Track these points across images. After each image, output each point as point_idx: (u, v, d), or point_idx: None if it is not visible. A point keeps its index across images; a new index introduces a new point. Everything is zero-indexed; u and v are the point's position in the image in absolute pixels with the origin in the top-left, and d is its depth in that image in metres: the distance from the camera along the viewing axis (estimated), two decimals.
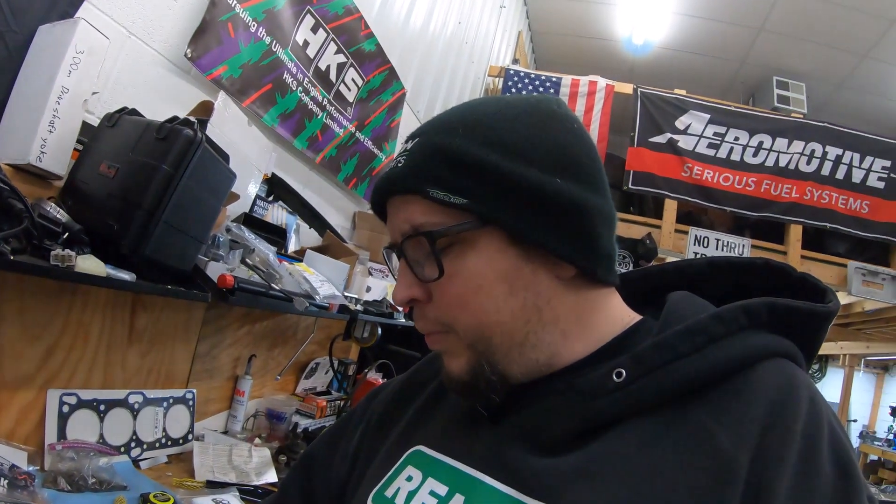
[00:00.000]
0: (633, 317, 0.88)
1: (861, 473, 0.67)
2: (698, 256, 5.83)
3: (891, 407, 12.59)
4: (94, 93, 1.75)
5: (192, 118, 1.68)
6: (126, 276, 1.49)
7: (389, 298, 3.31)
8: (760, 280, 0.88)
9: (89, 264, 1.39)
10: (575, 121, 0.83)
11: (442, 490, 0.80)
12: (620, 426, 0.73)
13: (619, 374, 0.73)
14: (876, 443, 12.43)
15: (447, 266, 0.77)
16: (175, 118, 1.63)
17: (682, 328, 0.74)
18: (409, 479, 0.84)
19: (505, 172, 0.75)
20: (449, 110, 0.84)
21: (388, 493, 0.84)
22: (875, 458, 12.08)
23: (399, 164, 0.80)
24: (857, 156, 6.12)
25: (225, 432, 2.58)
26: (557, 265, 0.79)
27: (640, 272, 1.01)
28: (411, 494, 0.81)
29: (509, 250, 0.78)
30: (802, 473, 0.64)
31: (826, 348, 11.92)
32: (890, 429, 12.43)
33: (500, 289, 0.78)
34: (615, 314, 0.87)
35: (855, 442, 13.12)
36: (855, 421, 13.41)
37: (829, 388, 13.51)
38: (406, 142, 0.83)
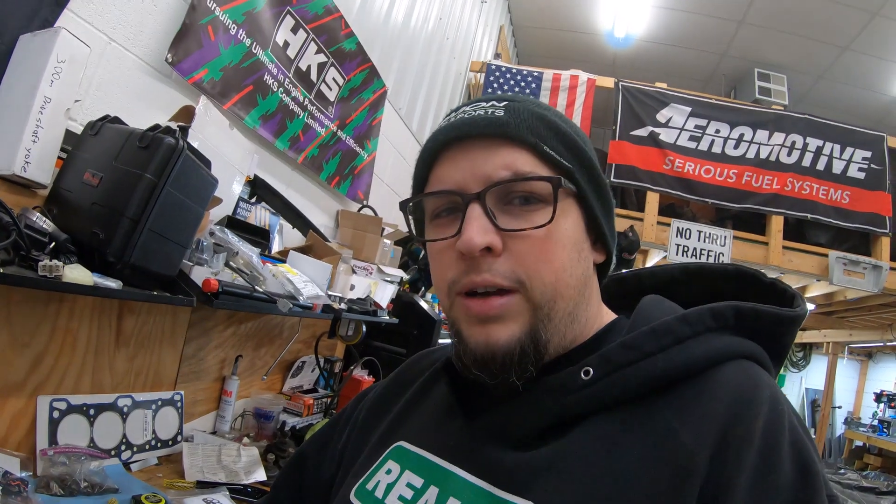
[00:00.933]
0: (610, 317, 0.93)
1: (821, 472, 0.69)
2: (681, 248, 5.88)
3: (874, 393, 12.74)
4: (76, 101, 1.76)
5: (173, 125, 1.70)
6: (113, 283, 1.51)
7: (373, 296, 3.33)
8: (733, 285, 0.92)
9: (77, 274, 1.41)
10: None
11: (418, 482, 0.83)
12: (587, 422, 0.76)
13: (587, 373, 0.77)
14: (861, 429, 12.59)
15: (542, 221, 0.80)
16: (157, 126, 1.64)
17: (649, 329, 0.77)
18: (389, 472, 0.88)
19: (590, 158, 0.86)
20: (518, 95, 0.89)
21: (370, 486, 0.88)
22: (860, 443, 12.24)
23: (496, 113, 0.82)
24: (837, 147, 6.21)
25: (213, 433, 2.59)
26: (597, 249, 0.88)
27: (616, 277, 1.06)
28: (390, 487, 0.85)
29: (581, 223, 0.85)
30: (762, 471, 0.66)
31: (810, 336, 12.02)
32: (874, 415, 12.58)
33: (573, 254, 0.83)
34: (603, 312, 0.92)
35: (840, 428, 13.25)
36: (840, 407, 13.54)
37: (814, 375, 13.66)
38: (488, 100, 0.85)
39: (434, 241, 0.86)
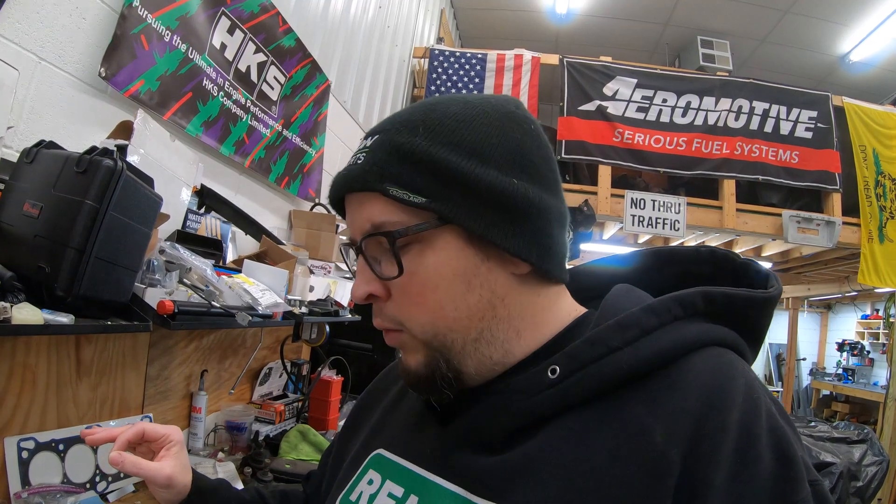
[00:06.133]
0: (578, 311, 0.91)
1: (803, 457, 0.69)
2: (636, 218, 5.93)
3: (836, 343, 13.12)
4: (9, 128, 1.70)
5: (111, 146, 1.64)
6: (64, 319, 1.46)
7: (333, 296, 3.29)
8: (707, 268, 0.91)
9: (26, 314, 1.35)
10: (532, 122, 0.85)
11: (398, 491, 0.83)
12: (557, 421, 0.75)
13: (553, 371, 0.76)
14: (826, 378, 12.97)
15: (407, 264, 0.79)
16: (94, 148, 1.58)
17: (614, 322, 0.76)
18: (370, 482, 0.88)
19: (464, 173, 0.77)
20: (410, 107, 0.85)
21: (353, 497, 0.89)
22: (827, 392, 12.60)
23: (359, 161, 0.81)
24: (783, 108, 6.30)
25: (187, 451, 2.54)
26: (513, 263, 0.81)
27: (587, 267, 1.05)
28: (372, 497, 0.86)
29: (467, 249, 0.80)
30: (740, 463, 0.65)
31: None
32: (838, 364, 12.95)
33: (457, 287, 0.80)
34: (564, 310, 0.89)
35: (806, 380, 13.61)
36: (804, 359, 13.90)
37: (777, 330, 13.94)
38: (366, 138, 0.84)
39: None
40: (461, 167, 0.77)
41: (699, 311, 0.78)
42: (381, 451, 0.92)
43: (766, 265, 7.71)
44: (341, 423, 3.41)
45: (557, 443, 0.73)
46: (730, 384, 0.71)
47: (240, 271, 2.53)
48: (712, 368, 0.73)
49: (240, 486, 2.23)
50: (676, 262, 0.95)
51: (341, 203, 0.87)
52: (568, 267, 0.93)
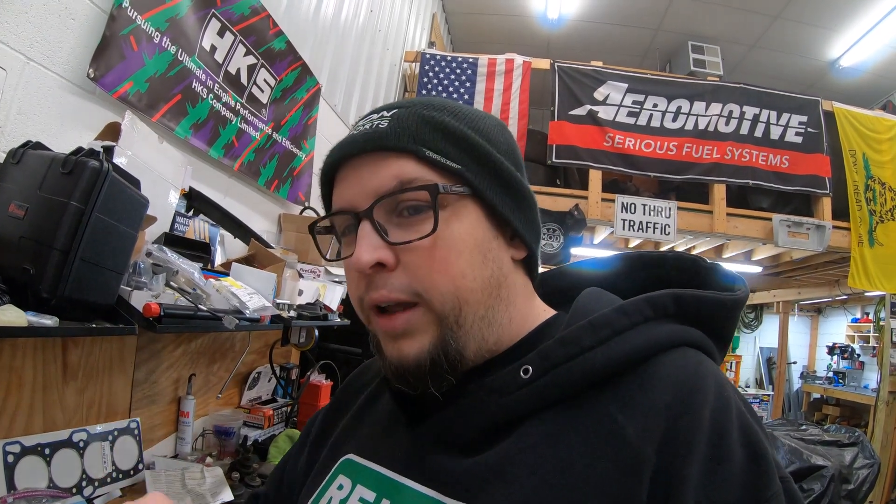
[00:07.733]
0: (548, 313, 0.92)
1: (772, 454, 0.69)
2: (626, 223, 5.94)
3: (827, 346, 13.15)
4: None
5: (97, 147, 1.63)
6: (49, 321, 1.44)
7: (322, 300, 3.28)
8: (675, 273, 0.92)
9: (9, 316, 1.34)
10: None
11: (370, 496, 0.82)
12: (530, 421, 0.75)
13: (525, 371, 0.76)
14: (817, 381, 13.00)
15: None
16: (80, 149, 1.57)
17: (586, 322, 0.77)
18: (340, 487, 0.87)
19: (490, 153, 0.82)
20: (422, 97, 0.89)
21: (322, 503, 0.87)
22: (818, 396, 12.64)
23: (381, 126, 0.81)
24: (773, 113, 6.31)
25: (175, 456, 2.54)
26: (514, 246, 0.86)
27: (556, 271, 1.06)
28: (342, 502, 0.84)
29: (485, 222, 0.82)
30: (712, 459, 0.66)
31: (760, 297, 12.32)
32: (829, 367, 12.98)
33: (475, 257, 0.80)
34: (536, 309, 0.91)
35: (797, 383, 13.65)
36: (795, 363, 13.92)
37: (767, 334, 14.03)
38: (377, 112, 0.85)
39: (337, 260, 0.88)
40: (486, 147, 0.82)
41: (669, 312, 0.79)
42: (350, 455, 0.91)
43: (757, 269, 7.75)
44: None
45: (531, 443, 0.73)
46: (701, 383, 0.72)
47: (227, 275, 2.51)
48: (683, 368, 0.74)
49: (228, 491, 2.21)
50: (645, 266, 0.96)
51: (334, 175, 0.86)
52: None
